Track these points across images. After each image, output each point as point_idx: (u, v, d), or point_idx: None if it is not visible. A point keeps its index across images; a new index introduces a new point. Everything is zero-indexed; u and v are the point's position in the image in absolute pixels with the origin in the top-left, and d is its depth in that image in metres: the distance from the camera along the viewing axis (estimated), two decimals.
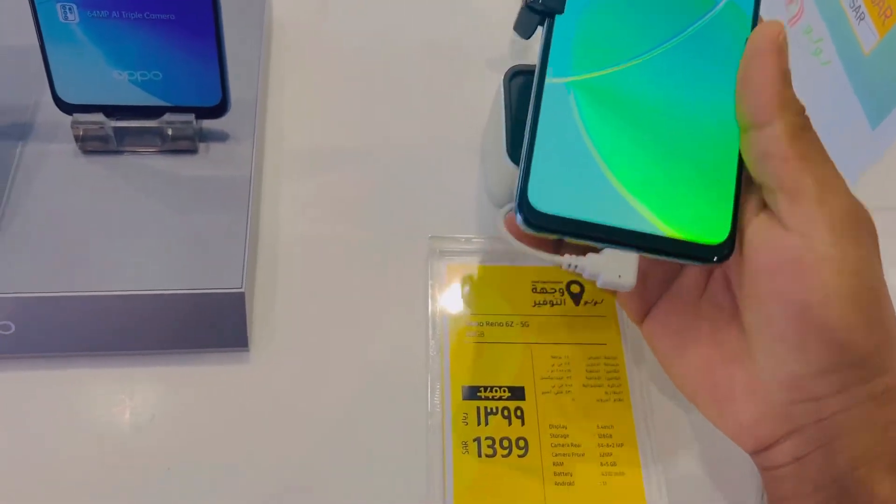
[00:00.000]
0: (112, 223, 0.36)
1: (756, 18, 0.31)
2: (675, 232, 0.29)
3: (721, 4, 0.31)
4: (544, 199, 0.28)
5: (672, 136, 0.30)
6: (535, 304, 0.38)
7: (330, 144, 0.44)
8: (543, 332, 0.37)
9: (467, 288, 0.38)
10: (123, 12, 0.35)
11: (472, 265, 0.39)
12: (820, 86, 0.45)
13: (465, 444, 0.34)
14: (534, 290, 0.39)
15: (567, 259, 0.30)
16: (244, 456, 0.34)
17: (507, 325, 0.38)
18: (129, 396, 0.35)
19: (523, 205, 0.28)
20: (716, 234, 0.29)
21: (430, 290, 0.38)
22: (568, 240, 0.29)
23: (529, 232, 0.29)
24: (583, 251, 0.30)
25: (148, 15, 0.35)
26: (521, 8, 0.32)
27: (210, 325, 0.35)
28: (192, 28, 0.36)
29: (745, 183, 0.30)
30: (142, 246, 0.36)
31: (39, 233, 0.36)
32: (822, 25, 0.45)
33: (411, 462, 0.34)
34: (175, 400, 0.35)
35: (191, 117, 0.38)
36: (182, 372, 0.36)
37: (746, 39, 0.30)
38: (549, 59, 0.30)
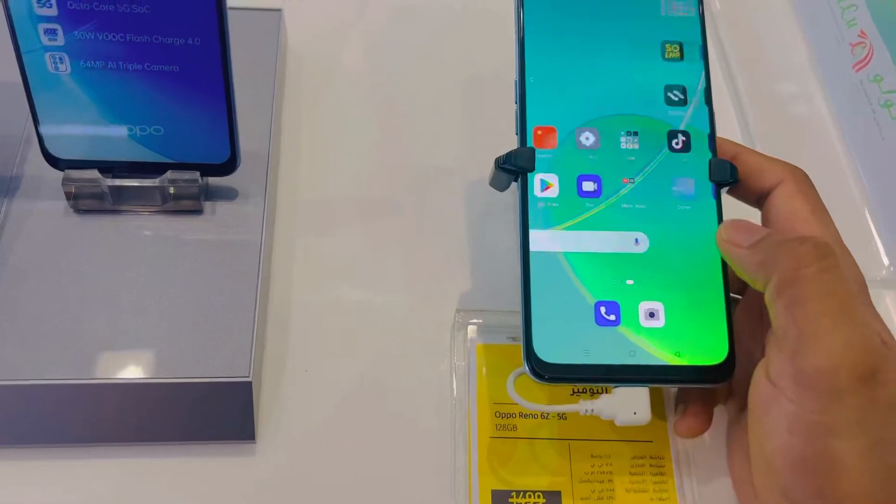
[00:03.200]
0: (107, 297, 0.33)
1: (714, 138, 0.32)
2: (677, 360, 0.29)
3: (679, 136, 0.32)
4: (551, 350, 0.29)
5: (657, 266, 0.30)
6: (574, 393, 0.34)
7: (348, 195, 0.40)
8: (582, 427, 0.34)
9: (497, 372, 0.35)
10: (121, 63, 0.31)
11: (504, 344, 0.35)
12: (889, 143, 0.41)
13: None
14: (573, 392, 0.35)
15: (582, 405, 0.31)
16: None
17: (542, 417, 0.34)
18: (124, 491, 0.32)
19: (531, 359, 0.29)
20: (716, 355, 0.30)
21: (454, 373, 0.35)
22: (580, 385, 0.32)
23: (542, 384, 0.29)
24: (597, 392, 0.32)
25: (148, 66, 0.31)
26: (494, 167, 0.32)
27: (213, 415, 0.32)
28: (198, 80, 0.32)
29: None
30: (139, 325, 0.32)
31: (27, 308, 0.32)
32: (894, 73, 0.41)
33: None
34: (174, 498, 0.32)
35: (196, 175, 0.34)
36: (182, 466, 0.32)
37: (708, 161, 0.31)
38: (528, 214, 0.31)
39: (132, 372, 0.31)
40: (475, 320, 0.36)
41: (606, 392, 0.30)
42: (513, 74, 0.34)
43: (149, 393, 0.31)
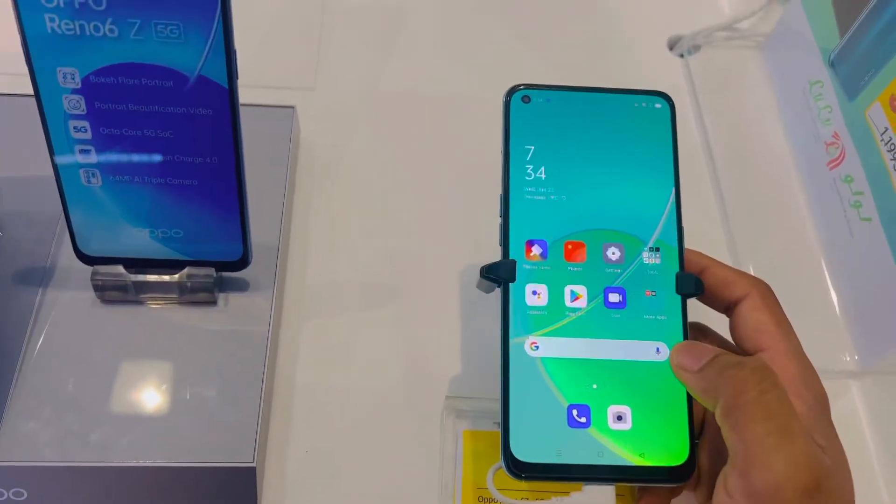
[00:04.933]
0: (127, 383, 0.36)
1: (682, 253, 0.35)
2: (641, 460, 0.32)
3: (645, 251, 0.35)
4: (526, 450, 0.32)
5: (626, 372, 0.33)
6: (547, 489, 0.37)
7: (352, 281, 0.43)
8: None
9: (483, 457, 0.38)
10: (146, 177, 0.35)
11: (491, 431, 0.38)
12: (857, 242, 0.43)
13: None
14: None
15: (554, 502, 0.34)
16: None
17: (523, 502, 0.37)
18: None
19: (508, 457, 0.32)
20: (677, 456, 0.32)
21: (441, 457, 0.38)
22: (551, 483, 0.33)
23: (518, 480, 0.32)
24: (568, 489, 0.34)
25: (170, 180, 0.35)
26: (480, 275, 0.36)
27: (218, 499, 0.35)
28: (214, 192, 0.35)
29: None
30: (155, 410, 0.35)
31: (55, 393, 0.35)
32: (863, 177, 0.43)
33: None
34: None
35: (211, 271, 0.38)
36: None
37: (675, 274, 0.34)
38: (510, 320, 0.34)
39: (141, 456, 0.34)
40: (463, 406, 0.39)
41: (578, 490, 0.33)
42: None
43: (156, 476, 0.34)
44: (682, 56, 0.55)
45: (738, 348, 0.34)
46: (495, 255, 0.44)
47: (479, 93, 0.52)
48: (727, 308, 0.35)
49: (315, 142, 0.48)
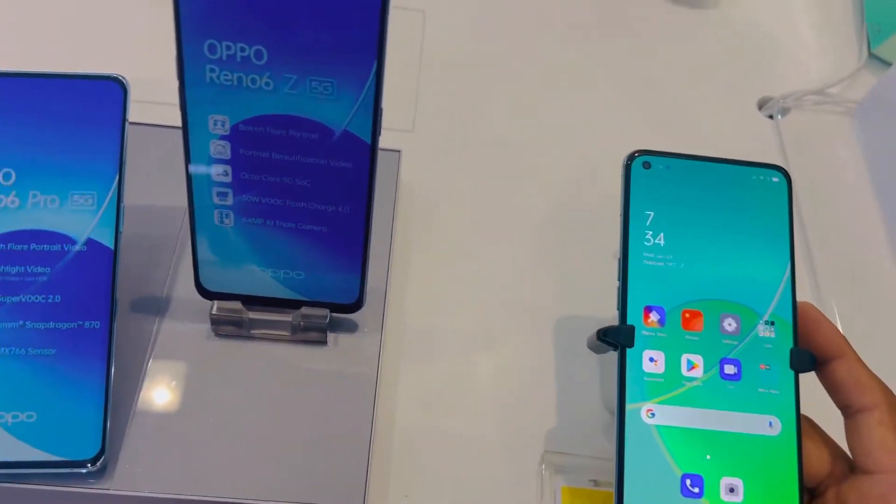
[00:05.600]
0: (238, 418, 0.37)
1: (796, 327, 0.35)
2: None
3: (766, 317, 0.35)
4: None
5: (740, 444, 0.34)
6: None
7: (451, 328, 0.44)
8: None
9: None
10: (277, 221, 0.36)
11: (587, 488, 0.39)
12: None
13: None
14: None
15: None
16: None
17: None
18: None
19: None
20: None
21: None
22: None
23: None
24: None
25: (300, 225, 0.36)
26: (595, 336, 0.36)
27: None
28: (341, 239, 0.36)
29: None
30: (264, 447, 0.36)
31: (171, 426, 0.36)
32: None
33: None
34: None
35: (326, 312, 0.39)
36: None
37: (790, 350, 0.35)
38: (626, 386, 0.34)
39: (250, 493, 0.35)
40: (562, 462, 0.39)
41: None
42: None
43: None
44: (771, 117, 0.56)
45: (853, 457, 0.34)
46: (594, 310, 0.45)
47: (575, 145, 0.53)
48: (846, 407, 0.34)
49: (414, 183, 0.50)
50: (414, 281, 0.46)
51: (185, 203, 0.36)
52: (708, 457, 0.33)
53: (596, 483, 0.39)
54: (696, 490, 0.33)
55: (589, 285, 0.46)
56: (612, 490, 0.36)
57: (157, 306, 0.40)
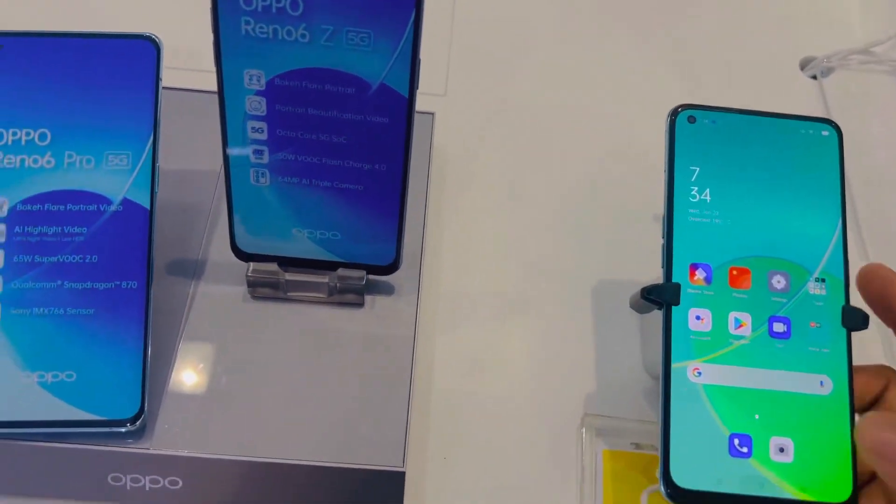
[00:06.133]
0: (276, 379, 0.37)
1: (847, 285, 0.34)
2: (803, 495, 0.32)
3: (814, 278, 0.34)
4: (686, 477, 0.32)
5: (788, 405, 0.33)
6: None
7: (487, 291, 0.44)
8: None
9: (622, 479, 0.37)
10: (313, 180, 0.35)
11: (629, 451, 0.38)
12: None
13: None
14: None
15: None
16: None
17: None
18: None
19: (668, 483, 0.32)
20: (840, 493, 0.32)
21: (581, 474, 0.37)
22: None
23: None
24: None
25: (337, 184, 0.35)
26: (639, 295, 0.35)
27: (365, 501, 0.35)
28: (378, 198, 0.36)
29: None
30: (302, 408, 0.36)
31: (209, 387, 0.36)
32: None
33: None
34: None
35: (362, 273, 0.38)
36: None
37: (841, 307, 0.34)
38: (671, 345, 0.33)
39: (290, 453, 0.35)
40: (603, 425, 0.39)
41: None
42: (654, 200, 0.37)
43: (303, 475, 0.35)
44: (814, 77, 0.54)
45: None
46: (634, 273, 0.44)
47: (611, 107, 0.52)
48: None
49: (447, 148, 0.49)
50: (449, 245, 0.45)
51: (220, 167, 0.35)
52: (756, 416, 0.33)
53: (638, 446, 0.38)
54: (745, 450, 0.32)
55: (628, 248, 0.45)
56: (655, 453, 0.36)
57: (193, 269, 0.40)
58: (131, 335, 0.34)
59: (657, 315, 0.35)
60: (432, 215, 0.46)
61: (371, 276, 0.39)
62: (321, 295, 0.39)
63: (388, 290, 0.40)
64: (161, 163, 0.36)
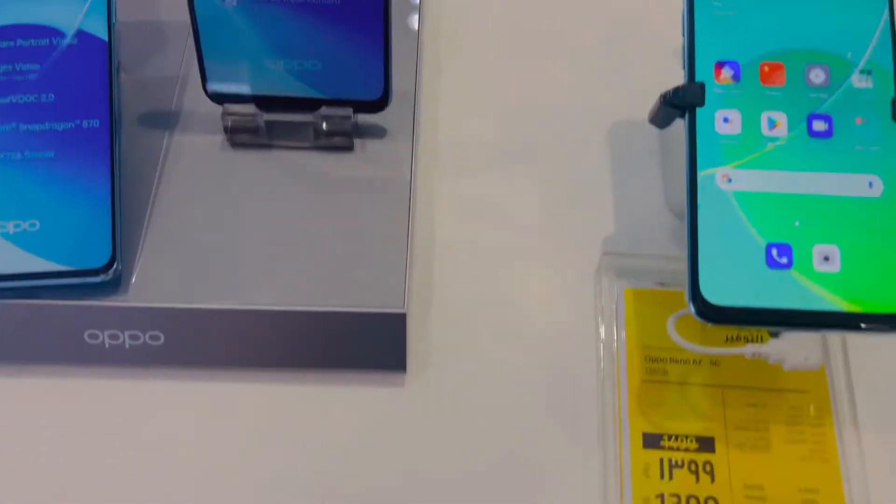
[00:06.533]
0: (263, 228, 0.34)
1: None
2: (854, 306, 0.28)
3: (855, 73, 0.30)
4: (717, 292, 0.28)
5: (832, 208, 0.29)
6: (728, 340, 0.34)
7: (488, 138, 0.40)
8: (737, 374, 0.33)
9: (648, 316, 0.34)
10: None
11: (653, 289, 0.35)
12: None
13: (645, 501, 0.31)
14: (728, 338, 0.34)
15: (750, 349, 0.31)
16: (398, 482, 0.32)
17: (694, 363, 0.33)
18: (274, 414, 0.33)
19: (697, 300, 0.28)
20: (894, 302, 0.28)
21: (601, 316, 0.34)
22: (746, 329, 0.30)
23: (707, 324, 0.28)
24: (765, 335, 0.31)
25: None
26: (659, 103, 0.32)
27: (366, 345, 0.32)
28: (358, 14, 0.32)
29: None
30: (294, 256, 0.33)
31: (190, 237, 0.33)
32: None
33: None
34: (323, 422, 0.33)
35: (349, 111, 0.34)
36: (333, 393, 0.33)
37: (891, 100, 0.30)
38: (697, 151, 0.30)
39: (287, 300, 0.32)
40: (623, 264, 0.35)
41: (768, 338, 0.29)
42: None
43: (297, 323, 0.32)
44: None
45: None
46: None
47: None
48: None
49: None
50: (449, 86, 0.41)
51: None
52: (797, 223, 0.29)
53: (663, 285, 0.35)
54: (784, 260, 0.28)
55: (647, 86, 0.40)
56: (683, 289, 0.32)
57: (166, 120, 0.36)
58: (97, 178, 0.31)
59: (680, 137, 0.31)
60: (429, 53, 0.42)
61: (360, 117, 0.35)
62: (305, 141, 0.35)
63: (379, 132, 0.36)
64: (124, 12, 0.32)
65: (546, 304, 0.35)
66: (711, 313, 0.28)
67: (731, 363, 0.33)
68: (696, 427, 0.32)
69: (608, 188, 0.38)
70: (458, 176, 0.39)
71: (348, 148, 0.35)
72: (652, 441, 0.31)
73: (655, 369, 0.33)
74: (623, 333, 0.34)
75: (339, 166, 0.35)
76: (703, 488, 0.31)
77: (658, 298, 0.34)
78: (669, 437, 0.32)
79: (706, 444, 0.31)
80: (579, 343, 0.34)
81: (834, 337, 0.33)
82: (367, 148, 0.36)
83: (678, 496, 0.30)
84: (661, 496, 0.30)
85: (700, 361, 0.33)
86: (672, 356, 0.33)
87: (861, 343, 0.34)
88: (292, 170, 0.35)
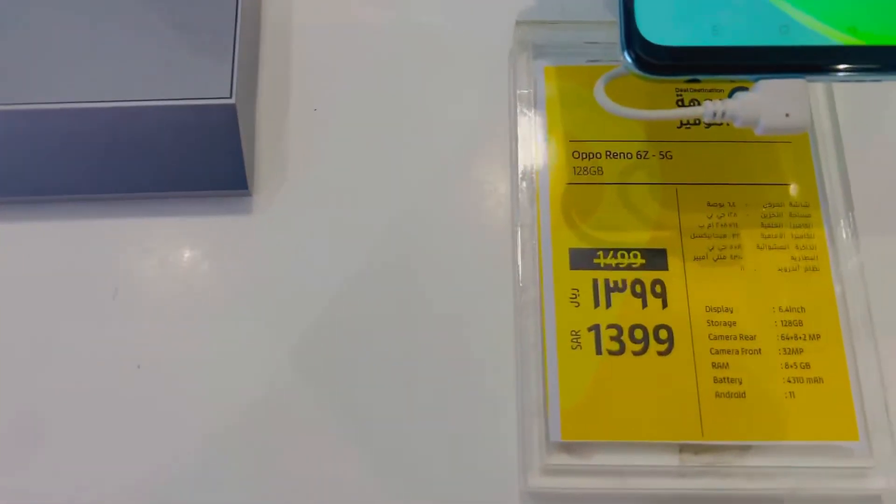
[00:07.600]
0: (77, 15, 0.24)
1: None
2: (852, 38, 0.20)
3: None
4: (661, 29, 0.20)
5: None
6: (682, 126, 0.25)
7: None
8: (694, 167, 0.24)
9: (574, 101, 0.26)
10: None
11: (582, 65, 0.26)
12: None
13: (575, 336, 0.23)
14: (679, 102, 0.25)
15: (709, 107, 0.21)
16: (247, 325, 0.24)
17: (638, 156, 0.25)
18: (103, 249, 0.24)
19: (634, 41, 0.20)
20: None
21: (516, 102, 0.26)
22: (702, 80, 0.20)
23: (647, 78, 0.20)
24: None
25: None
26: None
27: (198, 155, 0.24)
28: None
29: None
30: (105, 41, 0.24)
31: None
32: None
33: (494, 358, 0.23)
34: (153, 261, 0.24)
35: None
36: (163, 223, 0.25)
37: None
38: None
39: (85, 96, 0.23)
40: (542, 37, 0.26)
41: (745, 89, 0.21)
42: None
43: (120, 120, 0.23)
44: None
45: None
46: None
47: None
48: None
49: None
50: None
51: None
52: None
53: (595, 61, 0.26)
54: None
55: None
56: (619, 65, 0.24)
57: None
58: None
59: None
60: None
61: None
62: None
63: None
64: None
65: (445, 93, 0.26)
66: (654, 59, 0.20)
67: (687, 154, 0.25)
68: (642, 238, 0.24)
69: None
70: None
71: None
72: (582, 259, 0.23)
73: (586, 168, 0.25)
74: (544, 123, 0.25)
75: None
76: (653, 315, 0.23)
77: (588, 78, 0.25)
78: (606, 253, 0.24)
79: (656, 258, 0.23)
80: (488, 138, 0.26)
81: (817, 92, 0.25)
82: None
83: (619, 327, 0.23)
84: (596, 328, 0.23)
85: (646, 154, 0.25)
86: (609, 149, 0.25)
87: (855, 96, 0.25)
88: None
